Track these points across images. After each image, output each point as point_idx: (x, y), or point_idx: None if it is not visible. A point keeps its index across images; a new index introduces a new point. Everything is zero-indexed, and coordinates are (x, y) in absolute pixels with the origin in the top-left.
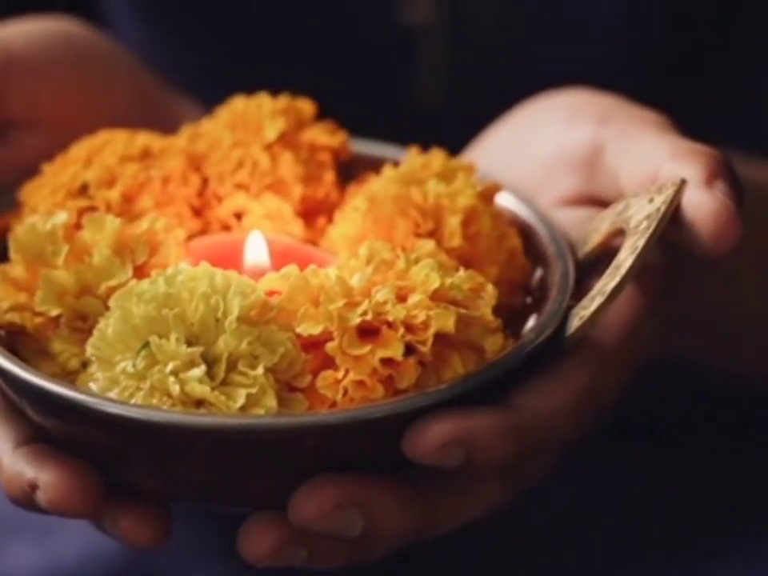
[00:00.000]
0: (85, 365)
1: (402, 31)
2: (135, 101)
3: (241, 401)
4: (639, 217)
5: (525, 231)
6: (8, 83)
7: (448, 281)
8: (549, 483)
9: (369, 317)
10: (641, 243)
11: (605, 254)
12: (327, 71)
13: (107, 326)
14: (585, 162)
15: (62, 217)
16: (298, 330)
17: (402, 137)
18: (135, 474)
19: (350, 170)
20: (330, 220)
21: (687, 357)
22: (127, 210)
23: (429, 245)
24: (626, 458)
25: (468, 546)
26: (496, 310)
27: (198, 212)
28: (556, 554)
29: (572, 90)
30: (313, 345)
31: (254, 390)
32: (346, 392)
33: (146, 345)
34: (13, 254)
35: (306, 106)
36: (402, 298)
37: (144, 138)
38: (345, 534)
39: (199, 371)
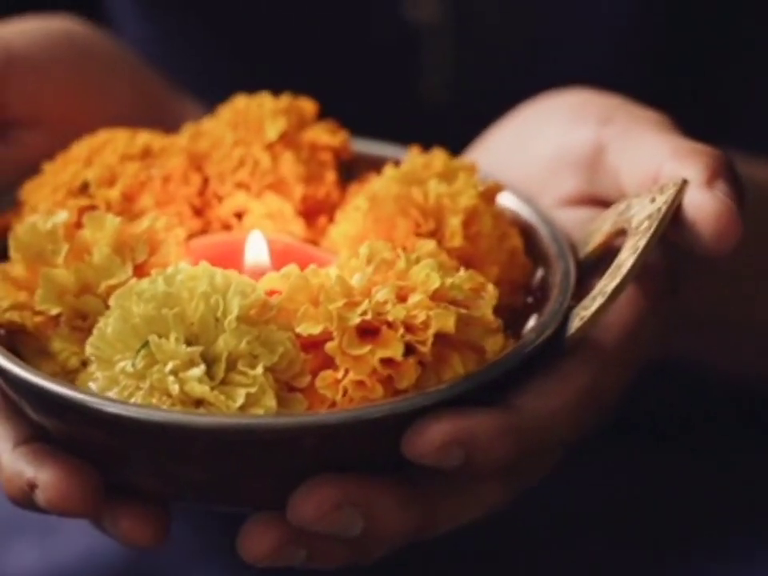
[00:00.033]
0: (85, 364)
1: (406, 30)
2: (137, 100)
3: (240, 400)
4: (640, 217)
5: (526, 231)
6: (9, 82)
7: (448, 281)
8: (549, 483)
9: (369, 317)
10: (642, 243)
11: (606, 254)
12: (332, 70)
13: (107, 325)
14: (586, 161)
15: (62, 216)
16: (298, 329)
17: (407, 135)
18: (134, 473)
19: (352, 170)
20: (331, 219)
21: (688, 357)
22: (128, 209)
23: (430, 245)
24: (626, 458)
25: (468, 545)
26: (497, 310)
27: (198, 211)
28: (556, 553)
29: (574, 89)
30: (312, 345)
31: (253, 390)
32: (345, 392)
33: (146, 344)
34: (13, 252)
35: (308, 106)
36: (402, 298)
37: (145, 137)
38: (344, 534)
39: (198, 371)
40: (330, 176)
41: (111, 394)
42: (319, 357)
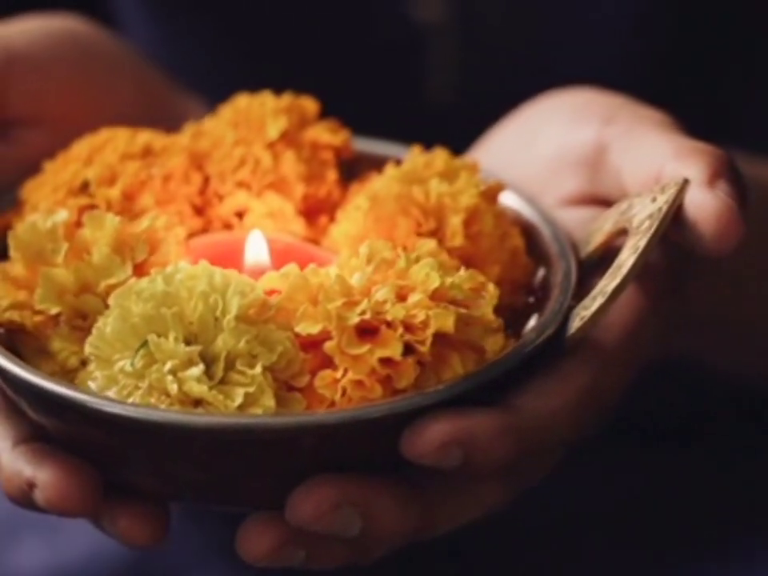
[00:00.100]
0: (84, 363)
1: (412, 30)
2: (140, 99)
3: (239, 400)
4: (642, 216)
5: (528, 230)
6: (11, 81)
7: (448, 280)
8: (549, 483)
9: (368, 316)
10: (642, 243)
11: (608, 253)
12: (338, 69)
13: (106, 324)
14: (589, 161)
15: (62, 215)
16: (297, 329)
17: (411, 135)
18: (133, 473)
19: (353, 169)
20: (331, 219)
21: (688, 357)
22: (128, 208)
23: (430, 244)
24: (626, 458)
25: (468, 546)
26: (497, 310)
27: (199, 210)
28: (556, 553)
29: (576, 89)
30: (312, 344)
31: (252, 390)
32: (344, 392)
33: (145, 343)
34: (13, 252)
35: (309, 104)
36: (401, 298)
37: (146, 136)
38: (343, 534)
39: (197, 370)
40: (331, 175)
41: (110, 393)
42: (318, 356)
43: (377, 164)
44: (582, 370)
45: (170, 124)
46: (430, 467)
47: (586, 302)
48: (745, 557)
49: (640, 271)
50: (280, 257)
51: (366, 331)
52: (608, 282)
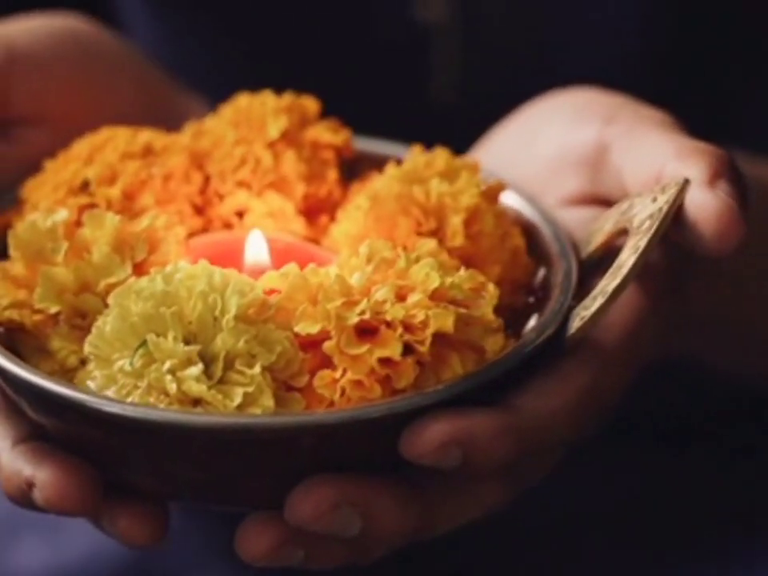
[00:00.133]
0: (83, 362)
1: (415, 30)
2: (141, 98)
3: (238, 399)
4: (642, 216)
5: (528, 230)
6: (12, 80)
7: (448, 280)
8: (549, 483)
9: (367, 316)
10: (643, 243)
11: (608, 253)
12: (341, 69)
13: (105, 323)
14: (590, 161)
15: (62, 214)
16: (296, 328)
17: (415, 135)
18: (132, 472)
19: (354, 168)
20: (332, 218)
21: (688, 357)
22: (128, 207)
23: (430, 244)
24: (626, 458)
25: (468, 545)
26: (498, 310)
27: (199, 210)
28: (556, 553)
29: (578, 88)
30: (311, 344)
31: (251, 389)
32: (343, 392)
33: (144, 343)
34: (12, 251)
35: (310, 104)
36: (401, 298)
37: (146, 135)
38: (342, 534)
39: (196, 370)
40: (332, 174)
41: (109, 392)
42: (317, 356)
43: (377, 163)
44: (582, 370)
45: (171, 123)
46: (430, 467)
47: (587, 301)
48: (745, 557)
49: (640, 271)
50: (280, 256)
51: (366, 331)
52: (608, 282)
